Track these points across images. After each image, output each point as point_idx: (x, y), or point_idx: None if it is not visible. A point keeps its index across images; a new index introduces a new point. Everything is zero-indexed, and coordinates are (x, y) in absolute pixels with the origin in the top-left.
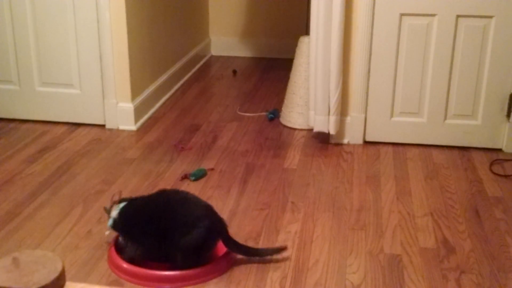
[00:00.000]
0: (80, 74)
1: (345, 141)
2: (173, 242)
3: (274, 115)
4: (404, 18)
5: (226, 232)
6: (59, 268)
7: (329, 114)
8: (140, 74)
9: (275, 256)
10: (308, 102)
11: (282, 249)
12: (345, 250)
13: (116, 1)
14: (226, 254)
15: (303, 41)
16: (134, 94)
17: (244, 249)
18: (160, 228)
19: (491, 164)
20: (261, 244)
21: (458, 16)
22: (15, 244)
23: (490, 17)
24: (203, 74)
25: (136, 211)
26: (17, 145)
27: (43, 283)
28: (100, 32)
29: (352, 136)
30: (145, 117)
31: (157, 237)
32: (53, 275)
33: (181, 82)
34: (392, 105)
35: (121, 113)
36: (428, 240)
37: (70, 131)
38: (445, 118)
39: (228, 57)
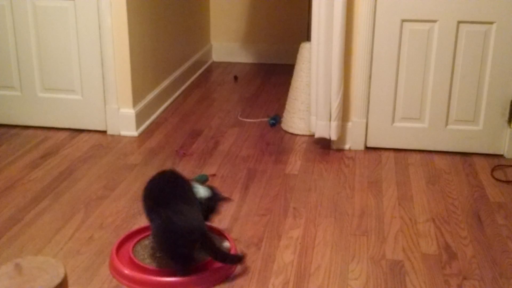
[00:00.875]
0: (82, 79)
1: (347, 146)
2: (157, 215)
3: (276, 121)
4: (405, 24)
5: (205, 235)
6: (62, 274)
7: (330, 120)
8: (142, 80)
9: (277, 262)
10: (309, 108)
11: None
12: (347, 255)
13: (117, 7)
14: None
15: (304, 46)
16: (136, 100)
17: (221, 255)
18: (153, 200)
19: (493, 169)
20: (263, 250)
21: (459, 22)
22: (16, 250)
23: (491, 23)
24: (204, 80)
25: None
26: (19, 151)
27: None
28: (101, 37)
29: (354, 141)
30: (147, 122)
31: (150, 208)
32: (56, 281)
33: (183, 87)
34: (394, 111)
35: (123, 119)
36: (430, 246)
37: (71, 137)
38: (447, 124)
39: (229, 63)
